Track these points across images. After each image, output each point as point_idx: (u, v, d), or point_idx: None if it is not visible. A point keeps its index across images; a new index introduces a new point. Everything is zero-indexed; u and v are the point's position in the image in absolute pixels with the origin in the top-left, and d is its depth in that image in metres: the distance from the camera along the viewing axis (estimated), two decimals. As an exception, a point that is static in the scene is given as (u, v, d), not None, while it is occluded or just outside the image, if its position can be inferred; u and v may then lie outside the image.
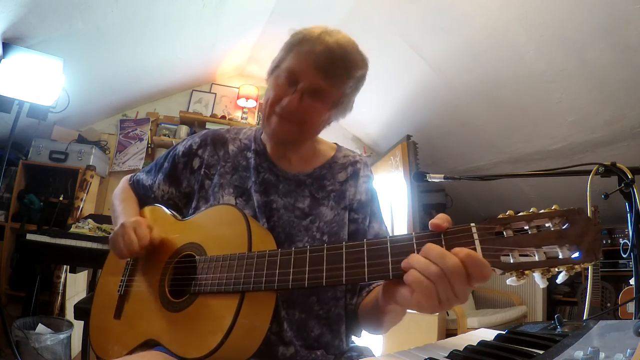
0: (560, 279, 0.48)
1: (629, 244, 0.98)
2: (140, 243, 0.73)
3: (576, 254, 0.46)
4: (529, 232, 0.49)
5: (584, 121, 2.47)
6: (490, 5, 2.07)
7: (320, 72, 0.74)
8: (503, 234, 0.50)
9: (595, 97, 2.29)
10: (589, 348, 0.42)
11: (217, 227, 0.72)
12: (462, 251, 0.47)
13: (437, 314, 2.29)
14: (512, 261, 0.48)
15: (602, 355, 0.41)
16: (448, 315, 2.73)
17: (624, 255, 1.00)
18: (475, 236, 0.49)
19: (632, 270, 1.00)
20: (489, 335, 0.60)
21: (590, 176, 1.05)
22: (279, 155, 0.86)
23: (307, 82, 0.75)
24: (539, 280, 0.48)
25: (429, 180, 1.33)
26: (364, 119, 3.69)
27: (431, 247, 0.48)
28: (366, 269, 0.53)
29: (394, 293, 0.54)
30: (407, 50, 2.64)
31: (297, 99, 0.75)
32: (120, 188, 0.99)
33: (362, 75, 0.81)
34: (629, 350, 0.41)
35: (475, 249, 0.48)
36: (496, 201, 3.65)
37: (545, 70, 2.26)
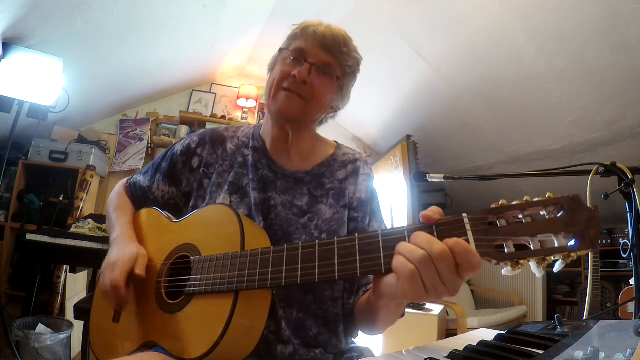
0: (556, 268, 0.47)
1: (629, 244, 0.98)
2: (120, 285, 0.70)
3: (572, 242, 0.45)
4: (523, 221, 0.48)
5: (584, 121, 2.47)
6: (490, 5, 2.07)
7: (326, 49, 0.80)
8: (497, 223, 0.49)
9: (595, 97, 2.29)
10: (589, 348, 0.42)
11: (211, 227, 0.72)
12: (451, 240, 0.47)
13: (438, 314, 2.29)
14: (506, 251, 0.47)
15: (602, 355, 0.41)
16: (448, 315, 2.72)
17: (624, 255, 1.00)
18: (468, 227, 0.49)
19: (632, 270, 1.00)
20: (489, 335, 0.60)
21: (590, 176, 1.05)
22: (278, 152, 0.86)
23: (314, 57, 0.80)
24: (535, 269, 0.47)
25: (429, 180, 1.33)
26: (364, 119, 3.68)
27: (418, 234, 0.49)
28: (358, 264, 0.53)
29: (383, 284, 0.54)
30: (407, 50, 2.64)
31: (307, 70, 0.78)
32: (115, 193, 0.97)
33: (359, 61, 0.85)
34: (629, 350, 0.41)
35: (468, 240, 0.48)
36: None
37: (545, 70, 2.26)
